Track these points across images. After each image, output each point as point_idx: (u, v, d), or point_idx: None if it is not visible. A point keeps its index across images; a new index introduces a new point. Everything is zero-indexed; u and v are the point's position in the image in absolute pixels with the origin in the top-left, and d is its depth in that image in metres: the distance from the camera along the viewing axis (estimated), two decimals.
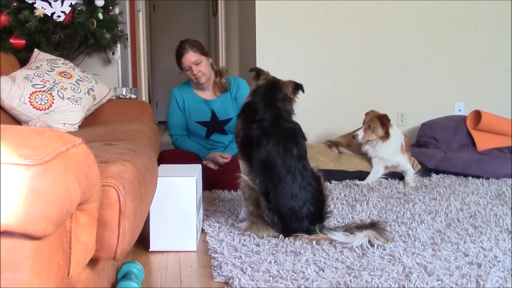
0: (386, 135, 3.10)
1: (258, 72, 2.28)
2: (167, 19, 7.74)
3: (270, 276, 1.54)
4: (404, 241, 1.88)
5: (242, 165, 2.17)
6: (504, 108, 4.20)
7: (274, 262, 1.66)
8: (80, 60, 3.32)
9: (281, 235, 1.94)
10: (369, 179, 3.13)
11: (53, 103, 2.34)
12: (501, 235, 1.94)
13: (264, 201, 1.95)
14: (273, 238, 1.93)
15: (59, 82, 2.42)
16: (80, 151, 0.88)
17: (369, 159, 3.26)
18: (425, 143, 3.84)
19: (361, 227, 1.87)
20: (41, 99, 2.32)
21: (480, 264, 1.61)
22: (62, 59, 2.67)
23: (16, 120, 2.34)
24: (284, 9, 3.97)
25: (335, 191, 2.84)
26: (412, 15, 4.18)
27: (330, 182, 3.07)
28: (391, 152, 3.15)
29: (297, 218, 1.92)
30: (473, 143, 3.65)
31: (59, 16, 2.78)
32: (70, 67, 2.61)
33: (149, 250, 1.87)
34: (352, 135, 3.25)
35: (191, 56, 2.99)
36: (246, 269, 1.59)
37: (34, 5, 2.73)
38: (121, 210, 1.09)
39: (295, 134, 2.06)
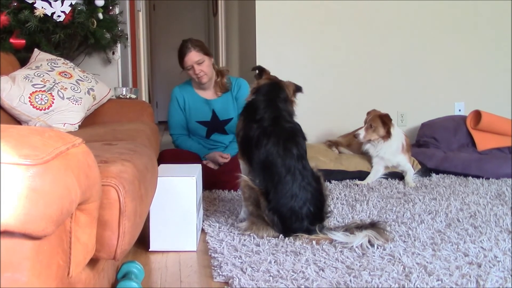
0: (388, 135, 3.10)
1: (261, 71, 2.27)
2: (167, 19, 7.74)
3: (270, 276, 1.54)
4: (404, 241, 1.88)
5: (242, 165, 2.17)
6: (504, 108, 4.20)
7: (274, 262, 1.66)
8: (80, 60, 3.32)
9: (281, 235, 1.94)
10: (369, 179, 3.13)
11: (53, 103, 2.34)
12: (501, 235, 1.94)
13: (264, 201, 1.95)
14: (273, 238, 1.93)
15: (59, 82, 2.42)
16: (80, 151, 0.88)
17: (369, 159, 3.26)
18: (425, 143, 3.83)
19: (361, 227, 1.87)
20: (41, 99, 2.32)
21: (480, 264, 1.61)
22: (62, 59, 2.67)
23: (16, 120, 2.34)
24: (284, 9, 3.97)
25: (335, 191, 2.84)
26: (412, 15, 4.18)
27: (330, 182, 3.07)
28: (392, 152, 3.15)
29: (297, 218, 1.92)
30: (473, 143, 3.64)
31: (59, 16, 2.78)
32: (70, 67, 2.61)
33: (149, 250, 1.87)
34: (354, 135, 3.24)
35: (193, 56, 2.99)
36: (246, 269, 1.59)
37: (34, 5, 2.73)
38: (121, 210, 1.09)
39: (295, 134, 2.06)
